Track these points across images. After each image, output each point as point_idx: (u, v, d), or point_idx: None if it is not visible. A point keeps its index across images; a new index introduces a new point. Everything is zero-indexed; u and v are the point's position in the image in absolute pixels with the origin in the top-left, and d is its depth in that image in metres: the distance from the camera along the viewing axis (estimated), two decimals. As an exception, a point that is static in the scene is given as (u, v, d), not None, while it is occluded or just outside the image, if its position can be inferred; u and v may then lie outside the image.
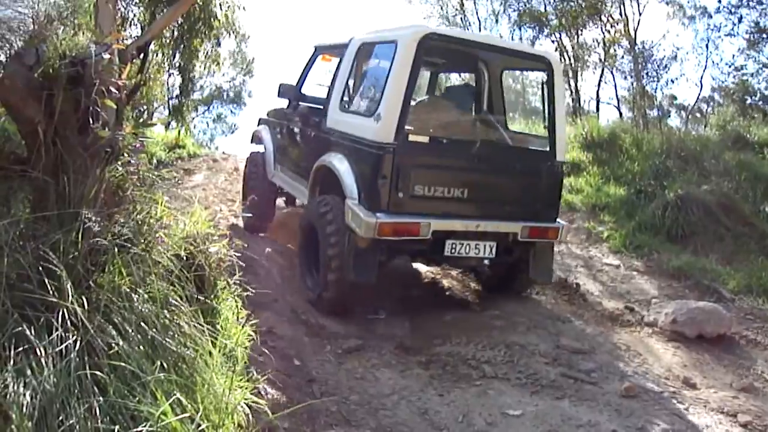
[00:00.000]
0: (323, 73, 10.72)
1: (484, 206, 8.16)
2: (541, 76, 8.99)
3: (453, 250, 8.00)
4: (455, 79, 13.34)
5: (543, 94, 9.06)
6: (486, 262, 8.44)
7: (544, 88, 8.84)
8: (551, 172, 8.47)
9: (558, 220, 8.68)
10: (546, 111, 8.72)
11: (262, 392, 4.64)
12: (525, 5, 24.48)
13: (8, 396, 3.03)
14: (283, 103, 11.12)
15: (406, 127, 7.70)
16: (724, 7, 22.51)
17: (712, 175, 14.71)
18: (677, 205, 13.06)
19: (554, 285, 10.18)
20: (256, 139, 12.34)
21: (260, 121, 12.50)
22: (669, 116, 27.48)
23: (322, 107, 9.40)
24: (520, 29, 24.86)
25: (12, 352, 3.23)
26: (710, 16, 23.54)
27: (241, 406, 4.02)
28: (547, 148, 8.56)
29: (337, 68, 9.47)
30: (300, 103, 10.47)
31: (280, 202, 12.25)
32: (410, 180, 7.61)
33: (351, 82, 9.40)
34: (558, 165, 8.50)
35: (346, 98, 9.25)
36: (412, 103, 8.62)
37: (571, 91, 26.18)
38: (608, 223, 13.61)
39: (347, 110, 8.90)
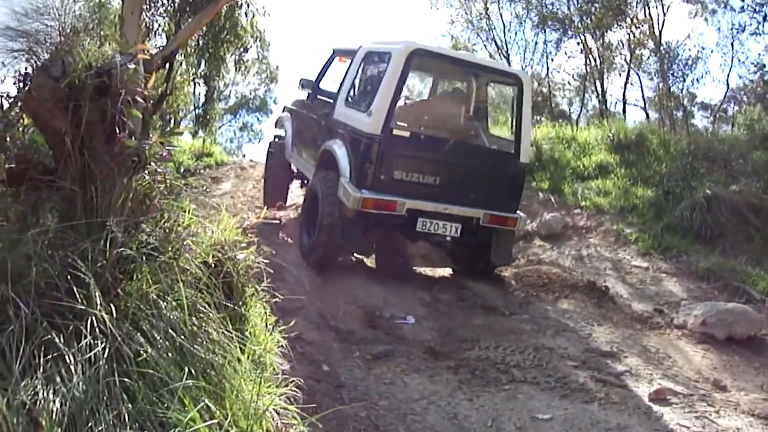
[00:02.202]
0: (338, 72, 11.69)
1: (452, 193, 9.55)
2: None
3: (423, 227, 9.46)
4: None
5: (513, 105, 10.73)
6: (449, 239, 9.84)
7: (514, 100, 10.49)
8: (514, 170, 10.04)
9: (518, 211, 10.16)
10: (514, 119, 10.44)
11: (291, 398, 4.64)
12: (548, 8, 24.37)
13: (38, 403, 3.05)
14: (305, 94, 12.81)
15: (392, 123, 9.35)
16: (748, 5, 22.35)
17: (741, 175, 14.60)
18: (705, 206, 12.97)
19: (583, 288, 10.18)
20: (279, 124, 14.18)
21: (284, 109, 14.32)
22: (693, 116, 27.30)
23: (332, 101, 11.00)
24: (544, 32, 24.77)
25: (41, 359, 3.24)
26: (733, 10, 23.36)
27: (270, 412, 4.02)
28: (513, 151, 10.13)
29: (347, 70, 11.00)
30: (317, 96, 12.15)
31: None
32: (391, 166, 9.24)
33: (356, 82, 10.80)
34: (521, 165, 10.09)
35: (350, 96, 10.68)
36: (409, 102, 11.70)
37: (598, 93, 26.08)
38: (636, 225, 13.53)
39: (350, 105, 10.37)
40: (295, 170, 13.18)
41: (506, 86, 11.83)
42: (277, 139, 13.87)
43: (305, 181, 12.68)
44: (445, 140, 9.69)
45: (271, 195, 13.55)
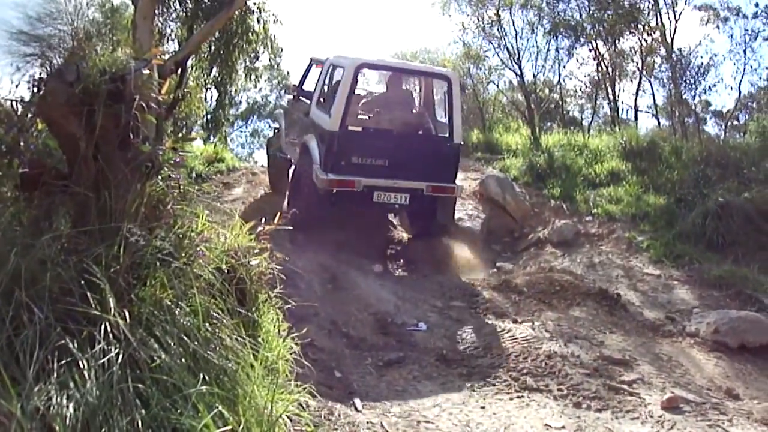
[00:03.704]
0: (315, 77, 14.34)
1: (399, 171, 11.82)
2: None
3: (379, 198, 11.86)
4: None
5: (445, 98, 12.79)
6: (397, 206, 12.37)
7: (446, 94, 12.62)
8: (449, 150, 12.32)
9: (456, 182, 12.46)
10: (447, 108, 12.45)
11: (304, 404, 4.64)
12: (559, 15, 24.34)
13: (52, 408, 3.05)
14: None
15: (348, 121, 11.70)
16: (761, 12, 22.33)
17: (753, 183, 14.55)
18: (717, 213, 12.93)
19: (595, 295, 10.14)
20: (274, 119, 17.56)
21: (278, 106, 17.20)
22: (705, 123, 27.19)
23: (309, 102, 13.58)
24: (556, 39, 24.71)
25: (55, 364, 3.24)
26: (746, 17, 23.30)
27: (283, 419, 4.02)
28: (447, 134, 12.36)
29: (318, 77, 13.65)
30: (301, 97, 14.67)
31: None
32: (349, 153, 11.60)
33: (324, 88, 13.12)
34: (454, 145, 12.31)
35: (320, 99, 13.09)
36: (376, 94, 14.65)
37: (609, 100, 26.04)
38: (648, 233, 13.50)
39: (319, 107, 12.84)
40: (289, 157, 15.20)
41: (440, 84, 13.75)
42: (275, 131, 16.61)
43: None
44: (390, 131, 12.60)
45: (275, 181, 16.06)
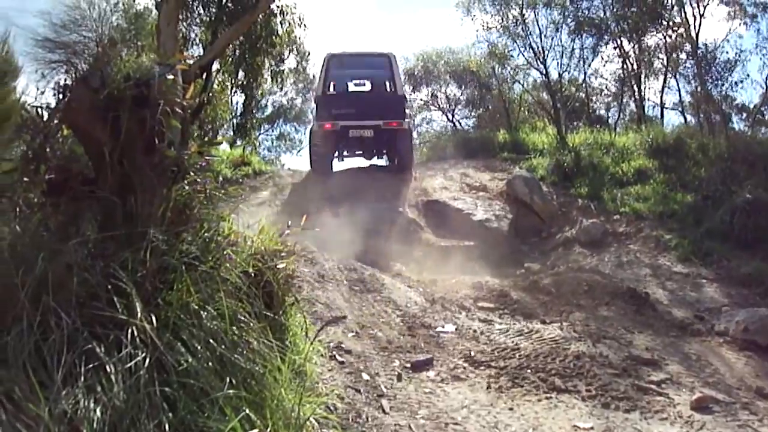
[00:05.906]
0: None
1: (364, 114, 18.46)
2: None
3: (353, 134, 18.74)
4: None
5: (389, 69, 19.41)
6: (365, 137, 19.02)
7: (390, 67, 19.41)
8: (394, 98, 19.15)
9: (405, 119, 19.39)
10: (390, 74, 19.28)
11: (331, 407, 4.63)
12: (584, 13, 24.22)
13: (79, 412, 3.06)
14: None
15: (327, 88, 19.31)
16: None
17: (781, 179, 14.46)
18: (746, 210, 12.86)
19: (623, 295, 10.11)
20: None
21: None
22: (731, 119, 26.94)
23: None
24: (580, 37, 24.61)
25: (83, 368, 3.25)
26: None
27: (311, 422, 4.01)
28: (392, 89, 19.24)
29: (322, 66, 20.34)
30: None
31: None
32: (330, 108, 18.55)
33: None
34: (398, 96, 19.26)
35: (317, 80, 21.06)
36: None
37: (635, 98, 25.92)
38: (676, 231, 13.46)
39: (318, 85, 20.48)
40: None
41: (382, 59, 19.98)
42: None
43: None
44: (355, 91, 19.29)
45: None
